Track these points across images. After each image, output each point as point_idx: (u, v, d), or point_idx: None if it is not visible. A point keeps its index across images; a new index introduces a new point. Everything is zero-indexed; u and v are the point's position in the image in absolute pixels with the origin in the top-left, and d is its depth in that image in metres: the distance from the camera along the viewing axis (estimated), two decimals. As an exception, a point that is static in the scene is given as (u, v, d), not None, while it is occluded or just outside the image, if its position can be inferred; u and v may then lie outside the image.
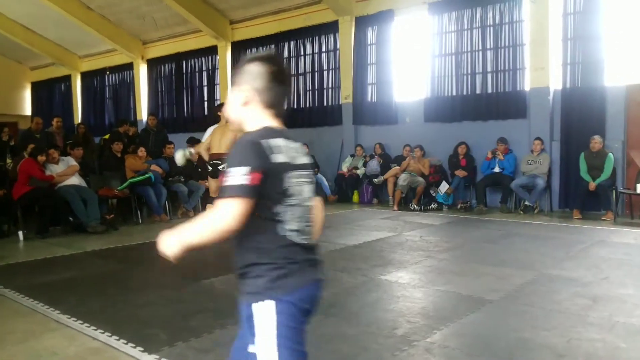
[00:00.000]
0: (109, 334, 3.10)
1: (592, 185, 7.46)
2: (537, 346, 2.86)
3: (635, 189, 7.24)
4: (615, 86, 7.90)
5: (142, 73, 14.72)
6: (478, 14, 9.06)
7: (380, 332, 3.11)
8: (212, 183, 5.93)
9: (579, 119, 8.11)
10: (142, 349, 2.88)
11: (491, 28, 8.94)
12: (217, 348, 2.87)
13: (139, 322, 3.34)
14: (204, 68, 13.46)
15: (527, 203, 8.16)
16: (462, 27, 9.25)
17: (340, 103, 10.83)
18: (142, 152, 8.19)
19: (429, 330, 3.12)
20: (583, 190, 7.60)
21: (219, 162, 5.68)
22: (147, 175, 7.81)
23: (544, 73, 8.34)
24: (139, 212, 7.93)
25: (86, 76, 16.55)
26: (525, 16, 8.58)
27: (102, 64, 15.82)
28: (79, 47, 15.95)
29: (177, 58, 13.86)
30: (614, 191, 7.47)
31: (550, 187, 8.32)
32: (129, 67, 15.02)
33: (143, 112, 14.67)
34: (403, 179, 8.95)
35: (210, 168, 5.84)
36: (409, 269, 4.65)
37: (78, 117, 16.69)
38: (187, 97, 13.86)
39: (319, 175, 10.26)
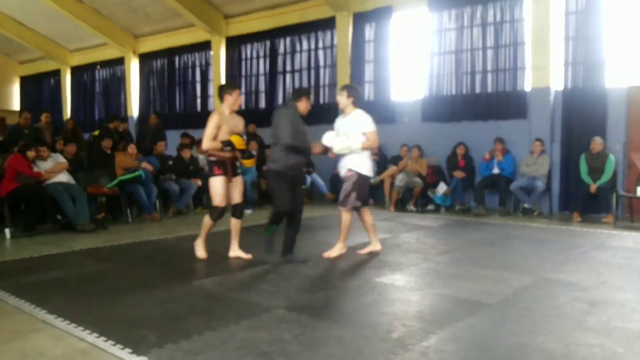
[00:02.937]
0: (97, 335, 3.01)
1: (593, 187, 7.39)
2: (534, 351, 2.81)
3: (635, 192, 7.19)
4: (617, 87, 7.85)
5: (133, 68, 14.55)
6: (478, 12, 8.97)
7: (375, 335, 3.04)
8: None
9: (580, 120, 8.05)
10: (130, 351, 2.79)
11: (492, 26, 8.86)
12: (207, 350, 2.79)
13: (127, 323, 3.24)
14: (197, 63, 13.32)
15: (526, 205, 8.10)
16: (462, 25, 9.16)
17: (335, 101, 10.72)
18: (132, 149, 8.03)
19: (425, 334, 3.06)
20: (583, 192, 7.54)
21: None
22: (137, 173, 7.66)
23: (544, 73, 8.26)
24: (129, 211, 7.80)
25: (76, 70, 16.36)
26: (526, 15, 8.51)
27: (92, 58, 15.63)
28: (69, 41, 15.77)
29: (169, 53, 13.72)
30: (614, 194, 7.39)
31: (550, 190, 8.26)
32: (120, 61, 14.83)
33: (134, 108, 14.53)
34: (400, 180, 8.87)
35: None
36: (405, 272, 4.58)
37: (67, 112, 16.52)
38: (180, 93, 13.72)
39: (314, 174, 10.17)
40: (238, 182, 5.08)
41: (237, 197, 5.07)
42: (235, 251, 5.16)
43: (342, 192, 5.05)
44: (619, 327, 3.17)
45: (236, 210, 5.08)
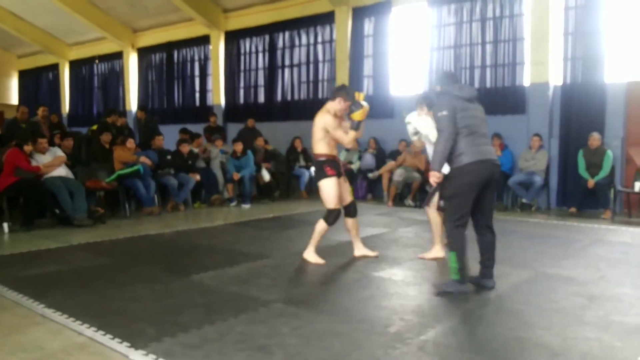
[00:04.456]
0: (95, 329, 3.01)
1: (591, 182, 7.41)
2: (532, 345, 2.82)
3: (633, 187, 7.22)
4: (616, 83, 7.85)
5: (132, 62, 14.52)
6: (478, 7, 8.97)
7: (373, 329, 3.04)
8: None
9: (579, 116, 8.05)
10: (129, 345, 2.79)
11: (491, 21, 8.85)
12: (205, 344, 2.79)
13: (126, 317, 3.24)
14: (196, 58, 13.31)
15: (524, 200, 8.11)
16: (462, 20, 9.15)
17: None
18: (130, 143, 8.02)
19: (423, 328, 3.07)
20: (581, 188, 7.56)
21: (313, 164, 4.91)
22: (135, 168, 7.64)
23: (543, 68, 8.25)
24: (127, 205, 7.78)
25: (74, 65, 16.35)
26: (525, 10, 8.50)
27: (91, 52, 15.62)
28: (68, 35, 15.73)
29: (168, 47, 13.70)
30: (612, 189, 7.41)
31: (548, 185, 8.27)
32: (118, 55, 14.82)
33: (132, 102, 14.50)
34: (398, 175, 8.87)
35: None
36: (403, 266, 4.59)
37: (65, 106, 16.51)
38: (178, 87, 13.70)
39: (313, 169, 10.17)
40: (344, 181, 4.83)
41: (347, 197, 4.81)
42: (360, 250, 4.94)
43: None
44: (616, 321, 3.18)
45: (350, 210, 4.83)
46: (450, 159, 3.74)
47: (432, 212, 4.82)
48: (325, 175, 4.57)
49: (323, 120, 4.56)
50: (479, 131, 3.74)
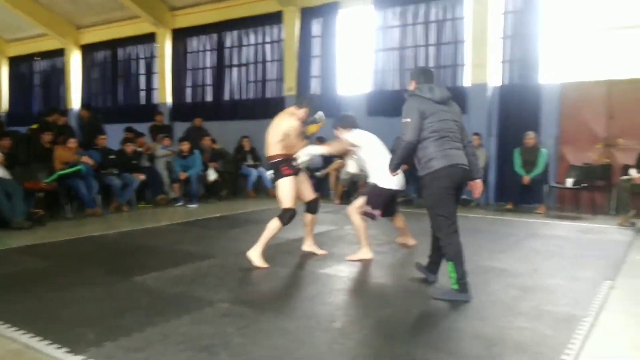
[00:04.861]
0: (32, 335, 2.90)
1: (526, 179, 7.75)
2: (469, 336, 2.95)
3: (565, 183, 7.63)
4: (550, 84, 8.23)
5: (74, 59, 14.04)
6: (422, 10, 9.22)
7: (319, 325, 3.10)
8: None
9: (516, 115, 8.41)
10: (67, 350, 2.71)
11: (434, 24, 9.12)
12: (148, 347, 2.75)
13: (65, 321, 3.15)
14: (141, 56, 13.02)
15: (464, 197, 8.38)
16: (406, 22, 9.39)
17: (283, 95, 10.75)
18: (72, 143, 7.77)
19: (365, 322, 3.16)
20: (517, 184, 7.89)
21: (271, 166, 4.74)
22: (77, 167, 7.42)
23: (483, 70, 8.56)
24: (69, 206, 7.53)
25: (13, 61, 15.68)
26: (466, 13, 8.78)
27: (31, 48, 15.00)
28: (6, 31, 15.06)
29: (112, 45, 13.34)
30: (546, 185, 7.81)
31: (486, 181, 8.59)
32: (60, 53, 14.29)
33: (74, 101, 14.03)
34: (345, 173, 8.97)
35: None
36: (349, 262, 4.67)
37: (2, 105, 15.78)
38: (123, 86, 13.36)
39: (260, 168, 10.14)
40: (304, 178, 4.86)
41: (309, 194, 4.86)
42: (309, 246, 5.01)
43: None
44: (548, 311, 3.35)
45: (311, 207, 4.88)
46: (421, 165, 3.65)
47: (354, 215, 4.78)
48: (282, 175, 4.54)
49: (289, 124, 4.57)
50: (450, 135, 3.61)
